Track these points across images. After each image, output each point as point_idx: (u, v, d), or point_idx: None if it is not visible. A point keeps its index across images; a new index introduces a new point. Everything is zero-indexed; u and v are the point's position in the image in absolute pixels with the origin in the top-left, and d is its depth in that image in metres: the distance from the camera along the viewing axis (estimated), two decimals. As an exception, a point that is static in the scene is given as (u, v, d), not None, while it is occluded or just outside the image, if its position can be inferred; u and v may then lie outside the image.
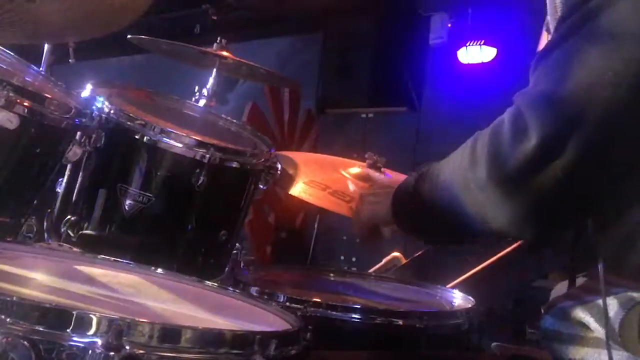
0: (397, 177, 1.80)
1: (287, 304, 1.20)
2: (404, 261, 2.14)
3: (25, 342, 0.69)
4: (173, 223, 1.63)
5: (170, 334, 0.75)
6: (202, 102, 2.05)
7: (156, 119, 1.64)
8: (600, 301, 0.82)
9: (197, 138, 1.60)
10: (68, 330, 0.70)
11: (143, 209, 1.57)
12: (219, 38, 2.18)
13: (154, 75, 4.66)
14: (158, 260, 1.29)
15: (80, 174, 1.60)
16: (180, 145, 1.57)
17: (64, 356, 0.70)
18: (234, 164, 1.65)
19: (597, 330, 0.82)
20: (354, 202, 1.72)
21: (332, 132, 4.80)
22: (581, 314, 0.84)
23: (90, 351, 0.70)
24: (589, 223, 0.87)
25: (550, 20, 0.95)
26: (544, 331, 0.90)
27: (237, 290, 1.15)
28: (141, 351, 0.72)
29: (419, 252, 2.18)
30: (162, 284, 1.13)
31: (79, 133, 1.46)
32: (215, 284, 1.17)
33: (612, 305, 0.81)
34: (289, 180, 1.78)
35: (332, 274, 1.82)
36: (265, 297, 1.20)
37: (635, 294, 0.81)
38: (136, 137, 1.57)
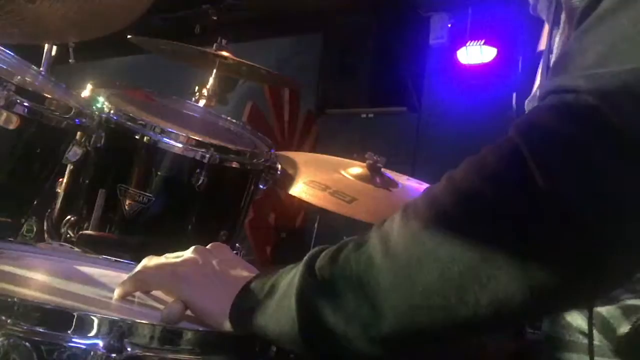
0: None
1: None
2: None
3: (27, 343, 0.69)
4: (173, 223, 1.63)
5: (171, 335, 0.75)
6: (202, 102, 2.05)
7: (156, 119, 1.65)
8: (602, 309, 0.80)
9: (197, 138, 1.60)
10: (69, 331, 0.70)
11: (143, 209, 1.57)
12: (219, 38, 2.18)
13: (154, 75, 4.65)
14: (158, 260, 1.28)
15: (81, 174, 1.61)
16: (180, 145, 1.57)
17: (65, 357, 0.70)
18: (234, 164, 1.65)
19: (600, 339, 0.81)
20: (354, 203, 1.71)
21: (332, 132, 4.79)
22: (581, 323, 0.83)
23: (92, 352, 0.70)
24: None
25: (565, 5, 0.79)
26: (545, 337, 0.89)
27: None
28: (143, 352, 0.72)
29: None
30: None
31: (79, 133, 1.46)
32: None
33: (615, 314, 0.80)
34: (289, 180, 1.78)
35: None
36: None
37: (638, 303, 0.79)
38: (136, 137, 1.57)
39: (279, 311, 0.76)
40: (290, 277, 0.78)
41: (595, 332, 0.80)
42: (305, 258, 0.78)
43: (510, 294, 0.64)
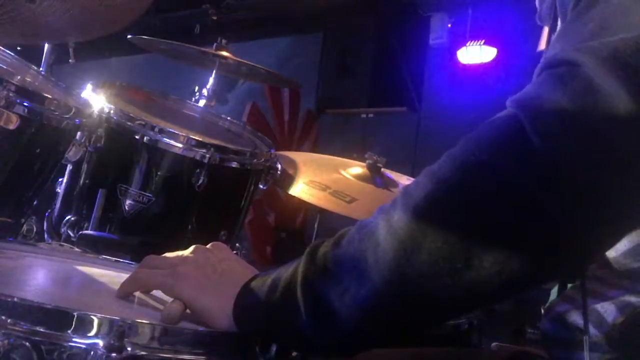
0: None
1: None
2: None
3: (27, 343, 0.69)
4: (173, 223, 1.63)
5: (171, 335, 0.75)
6: (202, 102, 2.05)
7: (156, 119, 1.65)
8: (597, 306, 0.81)
9: (197, 138, 1.60)
10: (69, 331, 0.70)
11: (143, 209, 1.57)
12: (219, 38, 2.18)
13: (154, 75, 4.65)
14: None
15: (80, 174, 1.61)
16: (180, 145, 1.58)
17: (66, 357, 0.70)
18: (234, 164, 1.65)
19: (595, 335, 0.81)
20: (354, 203, 1.72)
21: (332, 132, 4.79)
22: (578, 319, 0.83)
23: (92, 352, 0.70)
24: None
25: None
26: (543, 335, 0.89)
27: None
28: (143, 352, 0.72)
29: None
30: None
31: (79, 133, 1.46)
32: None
33: (610, 310, 0.80)
34: (289, 180, 1.78)
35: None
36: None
37: (633, 299, 0.80)
38: (136, 137, 1.57)
39: (284, 304, 0.76)
40: (292, 271, 0.78)
41: (590, 327, 0.81)
42: (307, 249, 0.78)
43: (512, 258, 0.66)
